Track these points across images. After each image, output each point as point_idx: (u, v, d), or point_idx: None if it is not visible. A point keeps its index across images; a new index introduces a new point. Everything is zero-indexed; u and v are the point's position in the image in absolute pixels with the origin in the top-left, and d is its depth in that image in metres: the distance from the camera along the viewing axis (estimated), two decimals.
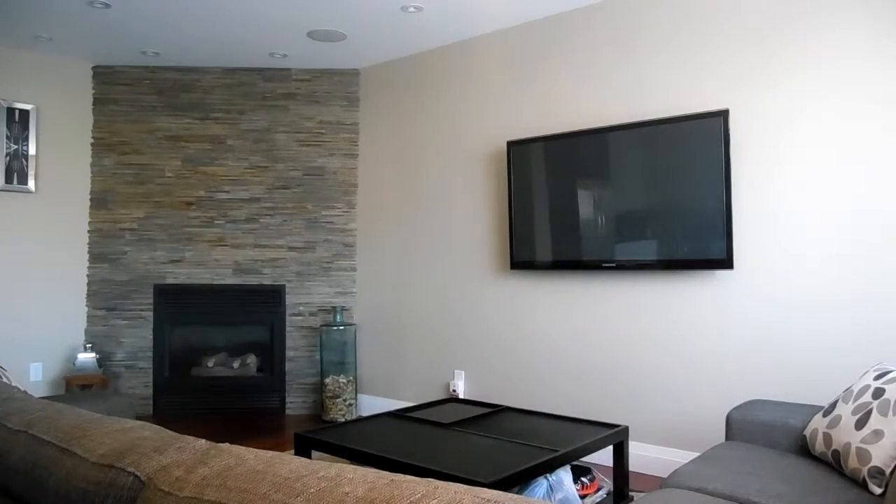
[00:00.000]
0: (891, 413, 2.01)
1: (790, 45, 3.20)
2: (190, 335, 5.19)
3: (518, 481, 2.29)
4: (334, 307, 4.93)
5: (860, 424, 2.08)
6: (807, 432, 2.36)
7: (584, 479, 2.90)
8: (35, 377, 4.73)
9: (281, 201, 5.07)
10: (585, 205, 3.76)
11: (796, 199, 3.17)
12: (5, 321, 4.60)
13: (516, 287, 4.16)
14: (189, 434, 1.02)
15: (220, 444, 0.97)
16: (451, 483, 0.75)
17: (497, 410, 3.27)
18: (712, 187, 3.29)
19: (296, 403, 5.07)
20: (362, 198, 5.12)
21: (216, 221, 5.05)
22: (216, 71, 5.08)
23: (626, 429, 2.92)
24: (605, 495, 2.94)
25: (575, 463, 2.72)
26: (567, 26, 3.99)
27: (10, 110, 4.65)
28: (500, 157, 4.26)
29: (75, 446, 1.03)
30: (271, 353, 5.10)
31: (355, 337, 4.97)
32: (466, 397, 4.33)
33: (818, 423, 2.30)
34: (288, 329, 5.06)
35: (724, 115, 3.27)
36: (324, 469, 0.80)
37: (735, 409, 2.64)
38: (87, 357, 4.77)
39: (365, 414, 4.94)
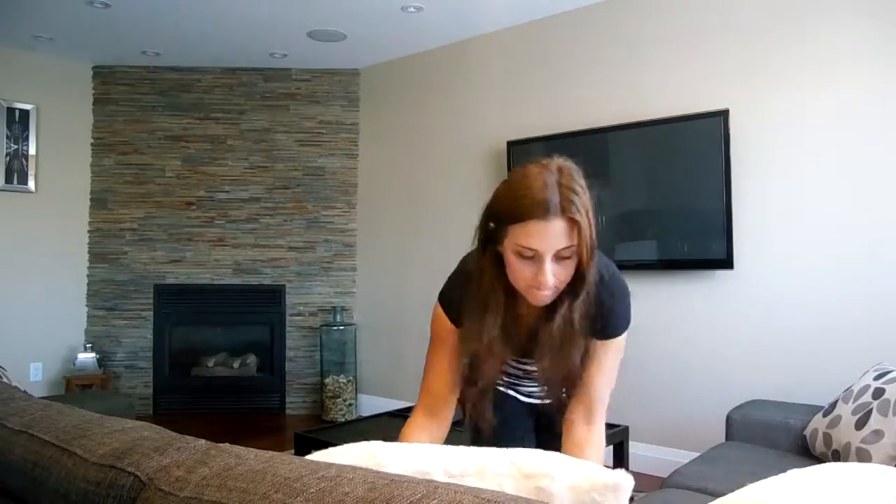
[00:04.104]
0: (891, 413, 2.01)
1: (790, 45, 3.19)
2: (190, 335, 5.19)
3: None
4: (334, 307, 4.93)
5: (860, 424, 2.08)
6: (807, 432, 2.36)
7: None
8: (35, 377, 4.73)
9: (281, 201, 5.06)
10: None
11: (796, 198, 3.17)
12: (5, 321, 4.60)
13: None
14: (189, 434, 1.01)
15: (220, 444, 0.97)
16: (451, 483, 0.75)
17: None
18: (712, 187, 3.29)
19: (296, 403, 5.07)
20: (362, 198, 5.12)
21: (216, 221, 5.05)
22: (216, 71, 5.08)
23: (626, 429, 2.92)
24: None
25: None
26: (567, 26, 3.99)
27: (10, 110, 4.65)
28: (500, 157, 4.25)
29: (75, 446, 1.03)
30: (271, 353, 5.10)
31: (355, 337, 4.97)
32: None
33: (818, 423, 2.30)
34: (288, 329, 5.06)
35: (724, 115, 3.27)
36: (324, 469, 0.80)
37: (735, 409, 2.65)
38: (87, 357, 4.77)
39: (365, 414, 4.94)
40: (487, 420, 1.52)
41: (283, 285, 5.05)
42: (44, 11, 4.00)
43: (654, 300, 3.58)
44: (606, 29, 3.82)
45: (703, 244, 3.33)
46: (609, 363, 1.46)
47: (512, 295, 1.38)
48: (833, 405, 2.29)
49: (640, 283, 3.64)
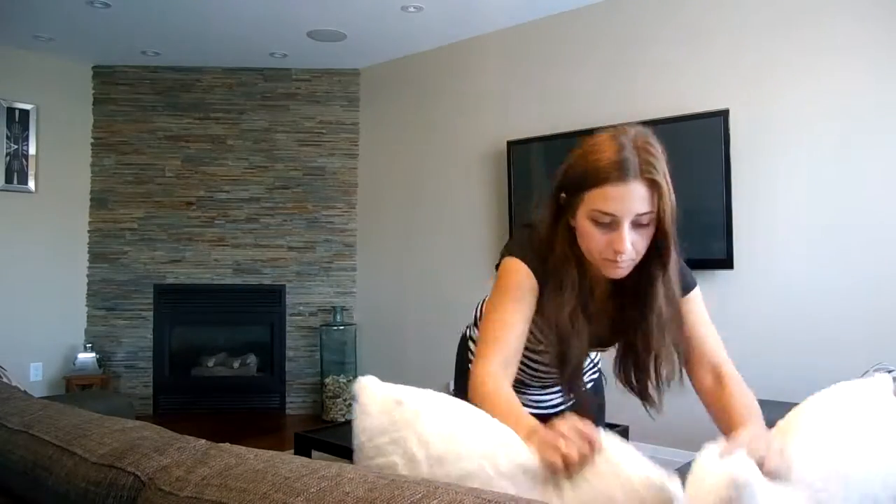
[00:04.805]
0: None
1: (790, 45, 3.20)
2: (190, 335, 5.19)
3: None
4: (334, 307, 4.93)
5: None
6: None
7: None
8: (35, 377, 4.73)
9: (281, 201, 5.06)
10: None
11: (796, 198, 3.17)
12: (5, 321, 4.60)
13: None
14: (189, 434, 1.01)
15: (221, 444, 0.97)
16: (451, 483, 0.75)
17: None
18: (712, 187, 3.29)
19: (296, 403, 5.07)
20: (362, 198, 5.12)
21: (216, 221, 5.05)
22: (216, 71, 5.08)
23: (626, 429, 2.91)
24: None
25: None
26: (567, 26, 3.99)
27: (10, 110, 4.65)
28: (500, 157, 4.25)
29: (75, 446, 1.03)
30: (271, 353, 5.10)
31: (355, 337, 4.97)
32: None
33: None
34: (288, 329, 5.06)
35: (724, 115, 3.27)
36: (324, 469, 0.80)
37: None
38: (87, 357, 4.77)
39: None
40: (585, 395, 1.45)
41: (283, 285, 5.05)
42: (44, 11, 4.00)
43: None
44: (606, 29, 3.82)
45: (703, 244, 3.33)
46: (705, 313, 1.39)
47: (584, 274, 1.29)
48: None
49: None
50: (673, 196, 1.20)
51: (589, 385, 1.68)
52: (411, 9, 3.94)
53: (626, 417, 3.64)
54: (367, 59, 4.92)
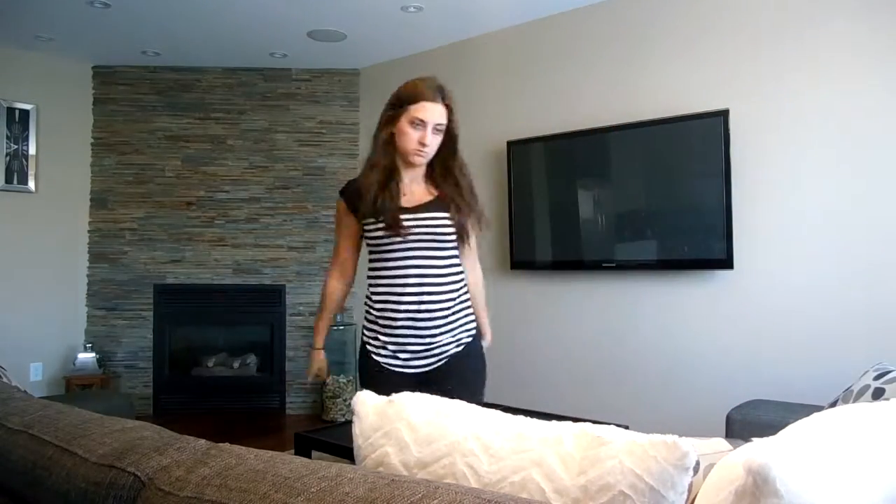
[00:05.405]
0: None
1: (790, 45, 3.19)
2: (190, 335, 5.19)
3: None
4: None
5: None
6: None
7: None
8: (35, 377, 4.73)
9: (281, 201, 5.06)
10: (586, 205, 3.76)
11: (796, 198, 3.17)
12: (5, 321, 4.59)
13: (516, 287, 4.15)
14: (189, 434, 1.02)
15: (221, 444, 0.97)
16: (451, 483, 0.75)
17: None
18: (712, 187, 3.29)
19: (296, 403, 5.07)
20: None
21: (216, 221, 5.05)
22: (216, 71, 5.08)
23: (626, 428, 2.91)
24: None
25: None
26: (567, 26, 3.99)
27: (10, 110, 4.65)
28: (500, 157, 4.25)
29: (75, 446, 1.03)
30: (271, 353, 5.10)
31: (355, 337, 4.97)
32: None
33: None
34: (288, 329, 5.06)
35: (724, 115, 3.27)
36: (324, 469, 0.80)
37: (735, 409, 2.64)
38: (87, 357, 4.77)
39: None
40: (408, 232, 2.03)
41: (283, 285, 5.05)
42: (44, 11, 4.00)
43: (654, 300, 3.58)
44: (606, 29, 3.82)
45: (703, 244, 3.33)
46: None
47: (393, 163, 2.07)
48: (833, 405, 2.29)
49: (640, 283, 3.64)
50: (457, 118, 2.05)
51: (460, 348, 2.07)
52: (411, 9, 3.94)
53: (626, 418, 3.64)
54: (367, 59, 4.92)
